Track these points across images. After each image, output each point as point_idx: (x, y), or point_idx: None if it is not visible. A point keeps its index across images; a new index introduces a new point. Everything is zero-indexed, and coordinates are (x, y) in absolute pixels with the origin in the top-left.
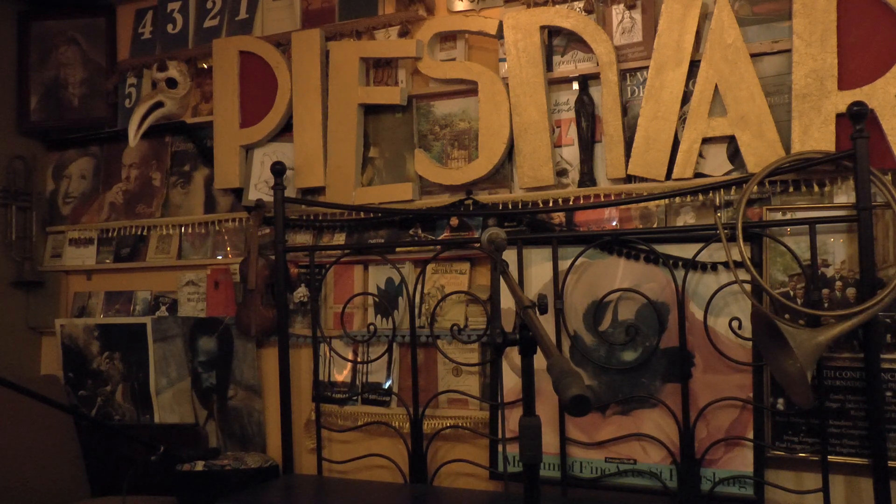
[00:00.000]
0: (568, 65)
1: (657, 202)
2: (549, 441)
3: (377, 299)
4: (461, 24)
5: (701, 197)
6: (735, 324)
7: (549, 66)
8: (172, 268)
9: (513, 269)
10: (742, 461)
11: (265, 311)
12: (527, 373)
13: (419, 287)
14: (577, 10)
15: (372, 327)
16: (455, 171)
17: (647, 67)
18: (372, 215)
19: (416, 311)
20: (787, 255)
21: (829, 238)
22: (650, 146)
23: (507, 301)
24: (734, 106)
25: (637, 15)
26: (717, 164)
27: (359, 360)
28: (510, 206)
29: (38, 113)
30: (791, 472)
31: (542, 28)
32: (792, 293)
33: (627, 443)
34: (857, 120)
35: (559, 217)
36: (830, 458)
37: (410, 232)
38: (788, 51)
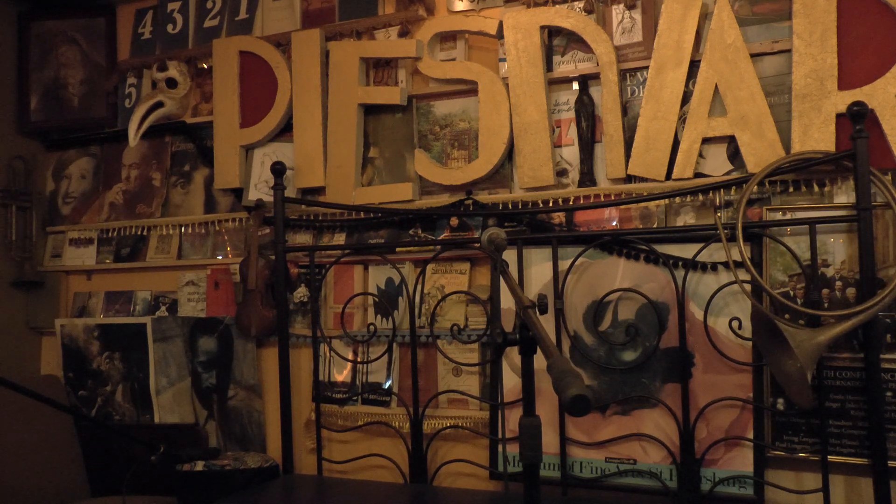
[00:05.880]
0: (568, 65)
1: (657, 202)
2: (549, 441)
3: (377, 299)
4: (461, 24)
5: (701, 197)
6: (735, 324)
7: (549, 66)
8: (172, 268)
9: (513, 269)
10: (742, 461)
11: (265, 311)
12: (527, 373)
13: (419, 287)
14: (577, 10)
15: (372, 327)
16: (455, 171)
17: (647, 67)
18: (372, 215)
19: (416, 311)
20: (787, 255)
21: (829, 238)
22: (650, 146)
23: (507, 301)
24: (734, 106)
25: (637, 15)
26: (717, 164)
27: (359, 360)
28: (510, 206)
29: (38, 113)
30: (791, 472)
31: (542, 28)
32: (792, 293)
33: (627, 443)
34: (857, 120)
35: (559, 217)
36: (830, 458)
37: (410, 232)
38: (788, 51)
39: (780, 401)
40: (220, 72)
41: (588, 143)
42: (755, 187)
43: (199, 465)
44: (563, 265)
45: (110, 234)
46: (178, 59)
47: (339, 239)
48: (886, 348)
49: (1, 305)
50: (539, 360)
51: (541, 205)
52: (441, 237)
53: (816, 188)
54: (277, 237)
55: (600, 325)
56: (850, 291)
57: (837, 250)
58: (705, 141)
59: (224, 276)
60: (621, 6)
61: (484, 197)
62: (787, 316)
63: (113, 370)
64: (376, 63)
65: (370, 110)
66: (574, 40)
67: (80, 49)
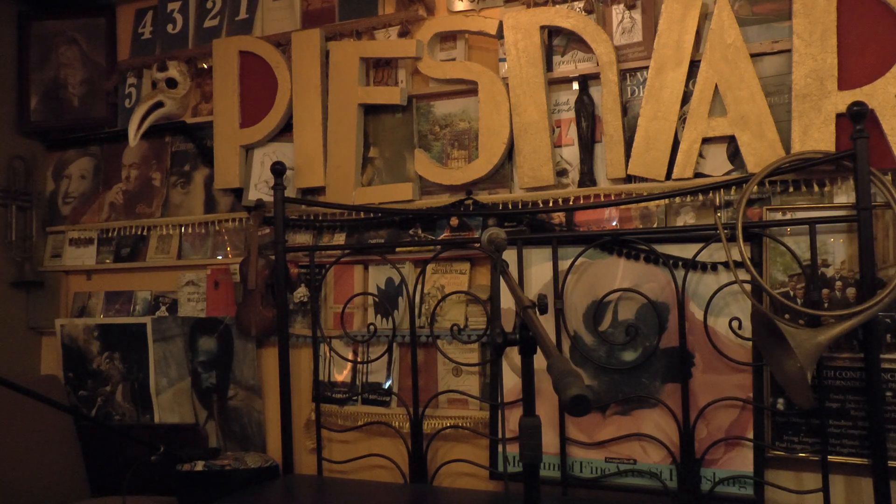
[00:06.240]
0: (568, 65)
1: (657, 202)
2: (549, 441)
3: (377, 299)
4: (461, 24)
5: (701, 197)
6: (735, 324)
7: (549, 66)
8: (172, 268)
9: (513, 269)
10: (742, 461)
11: (265, 311)
12: (527, 373)
13: (419, 287)
14: (577, 10)
15: (372, 327)
16: (455, 171)
17: (647, 67)
18: (372, 215)
19: (416, 311)
20: (787, 255)
21: (829, 238)
22: (650, 146)
23: (507, 301)
24: (734, 106)
25: (637, 15)
26: (717, 164)
27: (359, 360)
28: (510, 206)
29: (38, 113)
30: (791, 472)
31: (542, 28)
32: (792, 293)
33: (627, 443)
34: (857, 120)
35: (559, 217)
36: (830, 458)
37: (410, 232)
38: (788, 51)
39: (780, 401)
40: (220, 72)
41: (588, 143)
42: (755, 187)
43: (199, 465)
44: (563, 265)
45: (110, 234)
46: (178, 59)
47: (339, 239)
48: (886, 348)
49: (1, 305)
50: (539, 360)
51: (541, 205)
52: (441, 237)
53: (816, 188)
54: (277, 237)
55: (600, 325)
56: (850, 291)
57: (837, 250)
58: (705, 141)
59: (224, 276)
60: (621, 6)
61: (484, 197)
62: (787, 316)
63: (113, 370)
64: (376, 63)
65: (370, 110)
66: (574, 40)
67: (80, 49)
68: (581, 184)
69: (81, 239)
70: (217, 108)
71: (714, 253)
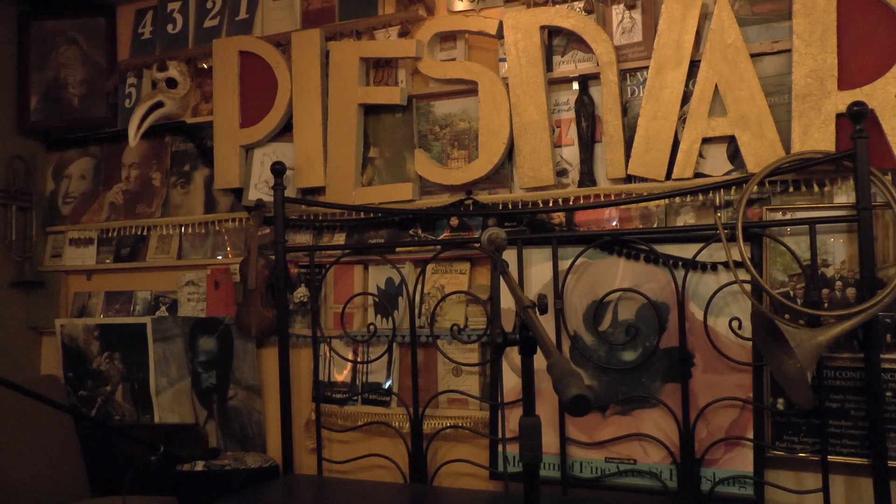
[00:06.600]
0: (568, 65)
1: (657, 202)
2: (549, 441)
3: (377, 299)
4: (461, 24)
5: (701, 197)
6: (735, 324)
7: (549, 66)
8: (172, 268)
9: (513, 269)
10: (742, 461)
11: (265, 311)
12: (527, 373)
13: (419, 287)
14: (577, 10)
15: (372, 327)
16: (455, 171)
17: (647, 67)
18: (372, 215)
19: (416, 311)
20: (787, 255)
21: (829, 238)
22: (650, 146)
23: (507, 301)
24: (734, 106)
25: (637, 15)
26: (717, 164)
27: (359, 360)
28: (510, 206)
29: (38, 113)
30: (791, 472)
31: (542, 28)
32: (792, 293)
33: (627, 443)
34: (857, 120)
35: (559, 217)
36: (830, 458)
37: (410, 232)
38: (788, 51)
39: (780, 401)
40: (220, 72)
41: (588, 143)
42: (755, 187)
43: (199, 465)
44: (563, 265)
45: (110, 234)
46: (178, 59)
47: (339, 239)
48: (886, 348)
49: (1, 305)
50: (539, 360)
51: (541, 205)
52: (441, 237)
53: (816, 188)
54: (277, 237)
55: (600, 325)
56: (850, 291)
57: (837, 250)
58: (705, 141)
59: (224, 276)
60: (621, 6)
61: (484, 197)
62: (787, 316)
63: (113, 370)
64: (376, 63)
65: (370, 110)
66: (574, 40)
67: (80, 49)
68: (581, 184)
69: (81, 239)
70: (217, 108)
71: (714, 253)
